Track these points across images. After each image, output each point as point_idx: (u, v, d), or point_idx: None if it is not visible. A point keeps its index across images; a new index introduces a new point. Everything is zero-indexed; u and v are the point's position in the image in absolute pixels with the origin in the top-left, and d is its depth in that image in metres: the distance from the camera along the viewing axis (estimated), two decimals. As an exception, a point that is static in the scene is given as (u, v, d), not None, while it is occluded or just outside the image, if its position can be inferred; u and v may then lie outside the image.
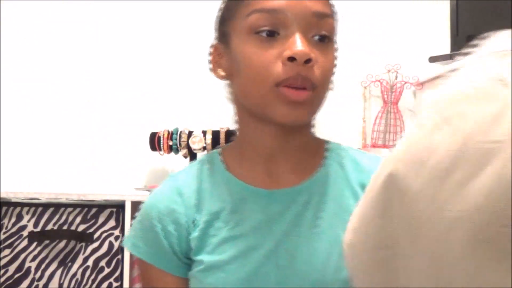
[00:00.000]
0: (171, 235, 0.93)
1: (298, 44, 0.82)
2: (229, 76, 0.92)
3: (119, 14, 2.54)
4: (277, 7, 0.84)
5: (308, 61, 0.82)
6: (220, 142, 2.23)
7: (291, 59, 0.82)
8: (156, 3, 2.56)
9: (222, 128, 2.26)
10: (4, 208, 2.08)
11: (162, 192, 0.97)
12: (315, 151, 0.96)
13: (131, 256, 2.12)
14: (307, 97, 0.83)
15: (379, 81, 2.55)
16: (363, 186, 0.91)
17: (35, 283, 2.06)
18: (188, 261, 0.94)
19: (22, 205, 2.10)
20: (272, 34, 0.84)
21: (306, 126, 0.93)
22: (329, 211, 0.91)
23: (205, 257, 0.90)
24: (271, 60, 0.83)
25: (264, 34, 0.84)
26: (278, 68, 0.83)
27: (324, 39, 0.86)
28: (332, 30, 0.87)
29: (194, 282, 0.92)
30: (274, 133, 0.90)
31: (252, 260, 0.88)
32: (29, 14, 2.50)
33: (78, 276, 2.08)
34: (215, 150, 1.00)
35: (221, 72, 0.92)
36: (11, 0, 2.49)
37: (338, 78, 2.68)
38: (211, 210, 0.92)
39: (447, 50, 2.63)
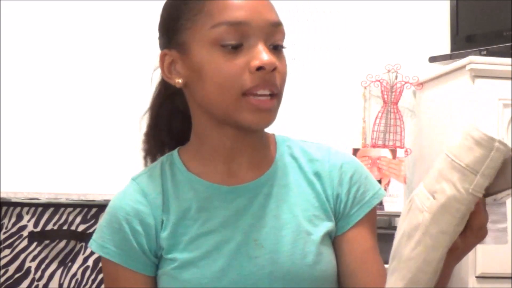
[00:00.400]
0: (140, 235, 0.95)
1: (264, 54, 0.89)
2: (186, 84, 0.96)
3: (119, 14, 2.54)
4: (241, 19, 0.89)
5: (274, 69, 0.90)
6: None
7: (260, 68, 0.89)
8: (156, 3, 2.56)
9: (222, 128, 2.25)
10: (4, 208, 2.08)
11: (127, 194, 1.00)
12: (268, 146, 1.02)
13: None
14: (272, 105, 0.91)
15: (379, 81, 2.54)
16: (317, 175, 1.00)
17: (35, 283, 2.06)
18: (155, 260, 0.96)
19: (22, 205, 2.10)
20: (236, 46, 0.90)
21: None
22: (290, 200, 0.98)
23: (178, 255, 0.93)
24: (238, 70, 0.89)
25: (229, 47, 0.89)
26: (246, 77, 0.89)
27: (278, 47, 0.94)
28: (284, 37, 0.95)
29: (168, 280, 0.94)
30: (233, 135, 0.95)
31: (224, 253, 0.93)
32: (29, 14, 2.50)
33: (78, 276, 2.08)
34: (170, 153, 1.04)
35: (178, 80, 0.96)
36: (11, 0, 2.49)
37: (338, 78, 2.68)
38: (178, 210, 0.96)
39: (447, 50, 2.63)
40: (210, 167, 0.98)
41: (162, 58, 0.97)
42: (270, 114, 0.92)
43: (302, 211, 0.97)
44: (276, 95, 0.92)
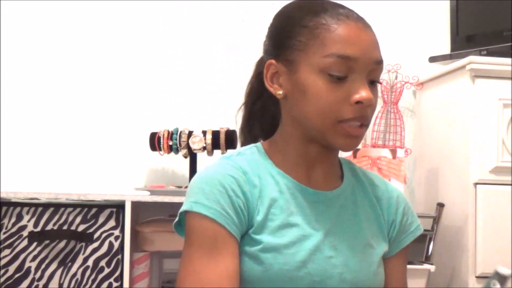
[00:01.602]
0: (240, 203, 0.99)
1: (365, 91, 0.98)
2: (286, 96, 1.04)
3: (120, 14, 2.54)
4: (351, 55, 0.97)
5: (370, 105, 0.99)
6: (220, 142, 2.23)
7: (358, 102, 0.97)
8: (156, 3, 2.56)
9: (222, 128, 2.26)
10: (4, 208, 2.08)
11: (226, 167, 1.02)
12: (337, 165, 1.13)
13: (131, 256, 2.12)
14: (362, 133, 1.01)
15: (379, 81, 2.54)
16: (377, 198, 1.12)
17: (35, 283, 2.06)
18: (243, 232, 1.00)
19: (22, 205, 2.10)
20: (341, 78, 0.98)
21: None
22: (359, 216, 1.08)
23: (264, 238, 0.99)
24: (339, 101, 0.98)
25: (335, 77, 0.97)
26: (345, 108, 0.98)
27: (375, 82, 1.02)
28: (381, 73, 1.04)
29: (250, 261, 0.98)
30: (319, 150, 1.05)
31: (306, 247, 1.00)
32: (29, 14, 2.50)
33: (78, 276, 2.08)
34: (255, 145, 1.10)
35: (280, 92, 1.04)
36: (11, 0, 2.49)
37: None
38: (270, 196, 1.02)
39: (447, 50, 2.63)
40: (293, 169, 1.06)
41: (268, 67, 1.05)
42: (358, 140, 1.01)
43: (367, 227, 1.08)
44: (365, 125, 1.02)
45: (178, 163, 2.46)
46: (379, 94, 2.57)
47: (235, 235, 0.97)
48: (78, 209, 2.11)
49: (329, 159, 1.08)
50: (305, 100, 0.99)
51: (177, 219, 1.03)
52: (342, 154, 1.20)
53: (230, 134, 2.23)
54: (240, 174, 1.01)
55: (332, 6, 1.02)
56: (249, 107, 1.16)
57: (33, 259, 2.07)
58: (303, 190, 1.05)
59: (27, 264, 2.06)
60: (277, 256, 0.97)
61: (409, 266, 2.18)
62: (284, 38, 1.03)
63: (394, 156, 2.37)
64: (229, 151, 1.11)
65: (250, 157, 1.06)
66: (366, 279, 1.04)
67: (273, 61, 1.04)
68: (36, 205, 2.10)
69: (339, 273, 1.01)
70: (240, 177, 1.01)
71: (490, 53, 2.28)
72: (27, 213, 2.09)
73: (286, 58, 1.02)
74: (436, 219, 2.28)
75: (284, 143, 1.07)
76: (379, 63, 1.01)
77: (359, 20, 1.01)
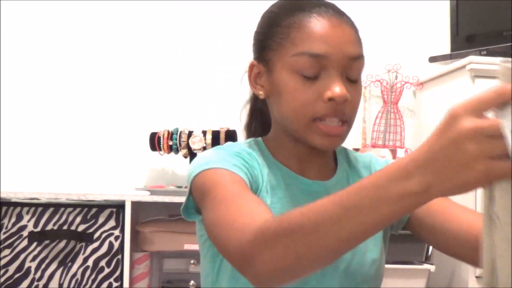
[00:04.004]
0: (250, 170, 0.98)
1: (338, 87, 0.96)
2: (268, 96, 1.05)
3: (119, 14, 2.54)
4: (321, 53, 0.96)
5: (345, 101, 0.97)
6: (220, 142, 2.23)
7: (331, 99, 0.96)
8: (156, 3, 2.56)
9: (222, 128, 2.26)
10: (4, 208, 2.08)
11: (230, 148, 1.01)
12: (331, 154, 1.12)
13: (131, 256, 2.12)
14: (342, 131, 0.99)
15: (379, 81, 2.55)
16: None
17: (35, 283, 2.06)
18: None
19: (22, 205, 2.10)
20: (313, 76, 0.97)
21: None
22: None
23: None
24: (312, 99, 0.97)
25: (307, 75, 0.97)
26: (318, 106, 0.96)
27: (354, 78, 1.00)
28: (362, 69, 1.01)
29: None
30: (305, 146, 1.03)
31: None
32: (29, 14, 2.50)
33: (78, 276, 2.08)
34: (255, 138, 1.11)
35: (261, 92, 1.05)
36: (11, 0, 2.49)
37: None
38: (271, 184, 1.03)
39: (447, 50, 2.63)
40: (288, 162, 1.06)
41: (251, 68, 1.06)
42: (338, 139, 1.00)
43: None
44: (346, 122, 0.99)
45: (178, 163, 2.46)
46: (379, 94, 2.57)
47: (249, 186, 0.95)
48: (78, 209, 2.11)
49: (320, 152, 1.06)
50: (281, 99, 1.00)
51: (185, 202, 1.00)
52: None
53: (230, 134, 2.23)
54: (245, 154, 1.00)
55: (310, 4, 1.00)
56: (251, 105, 1.17)
57: (33, 259, 2.07)
58: (301, 181, 1.05)
59: (27, 264, 2.06)
60: None
61: (409, 266, 2.19)
62: (262, 39, 1.04)
63: (394, 156, 2.37)
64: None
65: (248, 146, 1.06)
66: (359, 268, 1.03)
67: (254, 62, 1.05)
68: (36, 205, 2.10)
69: (333, 264, 0.99)
70: (247, 154, 1.00)
71: (490, 53, 2.28)
72: (27, 213, 2.09)
73: (264, 58, 1.03)
74: (436, 219, 2.28)
75: (276, 141, 1.08)
76: (355, 59, 0.98)
77: (334, 16, 1.00)
